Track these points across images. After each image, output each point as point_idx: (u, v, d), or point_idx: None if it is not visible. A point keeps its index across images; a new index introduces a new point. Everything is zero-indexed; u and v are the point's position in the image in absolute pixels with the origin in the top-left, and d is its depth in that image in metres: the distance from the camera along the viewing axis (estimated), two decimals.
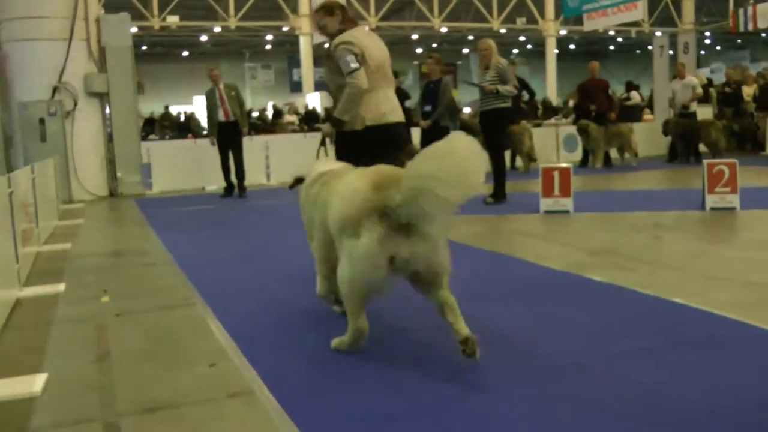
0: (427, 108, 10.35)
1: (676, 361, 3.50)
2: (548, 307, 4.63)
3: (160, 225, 9.22)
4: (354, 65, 5.13)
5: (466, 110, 25.53)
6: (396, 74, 13.74)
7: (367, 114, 5.25)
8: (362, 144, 5.23)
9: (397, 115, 5.38)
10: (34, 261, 7.05)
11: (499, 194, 9.81)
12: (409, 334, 4.13)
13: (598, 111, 14.89)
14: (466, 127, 10.63)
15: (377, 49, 5.30)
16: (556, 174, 8.71)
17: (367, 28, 5.82)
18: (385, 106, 5.30)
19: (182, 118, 29.68)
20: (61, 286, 5.83)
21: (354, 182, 3.63)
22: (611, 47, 46.74)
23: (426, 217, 3.33)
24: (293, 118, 28.04)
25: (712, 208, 8.35)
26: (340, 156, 5.25)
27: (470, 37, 37.14)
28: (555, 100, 30.79)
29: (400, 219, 3.37)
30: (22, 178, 6.78)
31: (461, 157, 3.23)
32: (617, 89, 24.63)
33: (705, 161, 8.63)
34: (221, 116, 12.19)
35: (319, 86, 32.40)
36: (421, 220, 3.35)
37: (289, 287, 5.45)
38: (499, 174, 9.85)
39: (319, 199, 4.01)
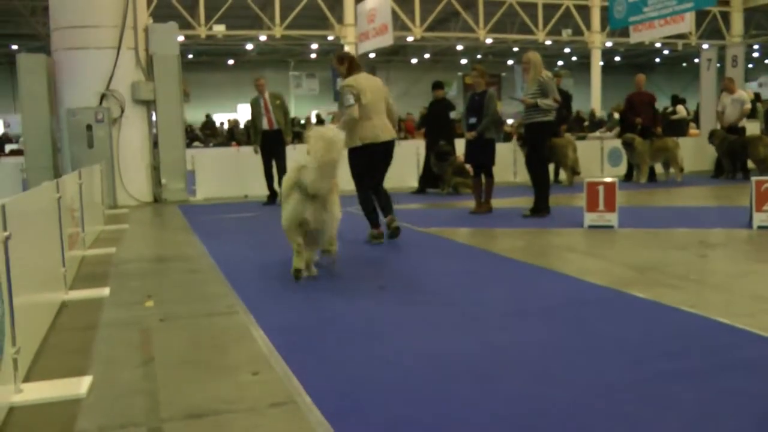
0: (472, 120, 10.31)
1: (721, 383, 3.44)
2: (591, 323, 4.58)
3: (204, 231, 9.30)
4: (350, 102, 7.71)
5: (510, 122, 25.42)
6: (440, 85, 13.97)
7: (364, 135, 7.78)
8: (361, 155, 7.84)
9: (387, 135, 7.96)
10: (79, 265, 7.15)
11: (540, 208, 9.75)
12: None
13: (644, 125, 14.71)
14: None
15: (372, 90, 7.89)
16: (600, 188, 8.63)
17: (365, 73, 8.13)
18: (378, 129, 7.88)
19: (226, 125, 29.98)
20: (105, 290, 5.91)
21: (291, 167, 6.25)
22: (657, 60, 46.17)
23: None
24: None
25: (760, 227, 8.20)
26: (350, 164, 7.91)
27: (515, 49, 36.97)
28: (599, 112, 30.47)
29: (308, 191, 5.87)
30: (69, 183, 6.91)
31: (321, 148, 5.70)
32: (663, 103, 24.34)
33: (753, 178, 8.47)
34: (265, 125, 12.33)
35: None
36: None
37: (331, 297, 5.47)
38: (541, 187, 9.79)
39: None
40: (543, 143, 9.80)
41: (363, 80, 7.92)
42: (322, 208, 5.98)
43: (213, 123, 30.58)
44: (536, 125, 9.68)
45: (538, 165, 9.85)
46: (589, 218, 8.70)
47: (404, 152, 16.33)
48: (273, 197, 12.58)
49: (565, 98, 15.01)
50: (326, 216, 6.01)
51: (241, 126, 28.55)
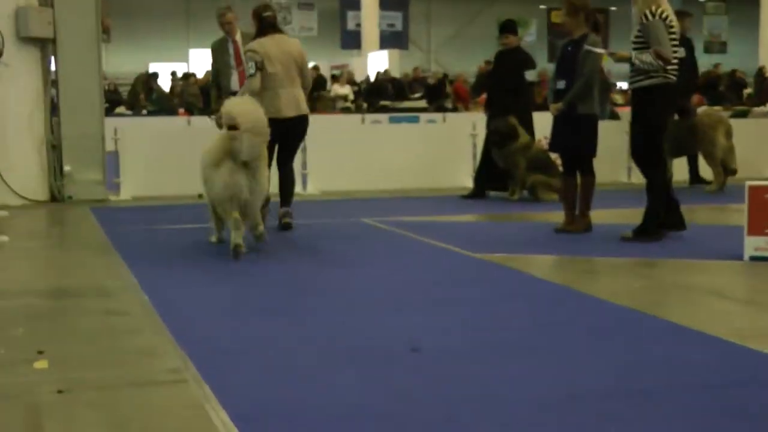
0: (561, 85, 10.16)
1: None
2: (761, 420, 4.45)
3: (132, 251, 9.23)
4: (251, 71, 9.96)
5: (623, 87, 25.09)
6: (512, 26, 13.85)
7: (267, 109, 9.14)
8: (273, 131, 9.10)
9: (293, 110, 10.11)
10: None
11: (650, 228, 9.47)
12: None
13: None
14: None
15: (281, 57, 10.06)
16: None
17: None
18: (282, 103, 10.01)
19: (169, 82, 30.08)
20: None
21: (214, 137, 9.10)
22: None
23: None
24: (346, 91, 28.02)
25: None
26: None
27: None
28: None
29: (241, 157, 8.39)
30: None
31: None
32: None
33: None
34: (235, 83, 12.21)
35: (389, 40, 32.48)
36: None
37: (335, 366, 5.40)
38: (651, 192, 9.51)
39: None
40: (653, 120, 9.51)
41: (270, 45, 10.09)
42: (252, 178, 8.51)
43: (153, 76, 30.64)
44: (638, 93, 9.49)
45: (643, 157, 9.61)
46: (753, 245, 8.55)
47: (451, 133, 16.32)
48: None
49: (688, 49, 14.85)
50: (256, 186, 8.55)
51: (196, 83, 28.59)
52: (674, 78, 9.49)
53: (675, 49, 9.37)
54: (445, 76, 31.68)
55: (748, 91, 25.23)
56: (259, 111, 8.56)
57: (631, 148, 9.97)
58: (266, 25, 10.26)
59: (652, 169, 9.59)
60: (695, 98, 15.17)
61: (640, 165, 9.76)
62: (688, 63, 14.85)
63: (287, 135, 10.18)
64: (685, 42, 14.33)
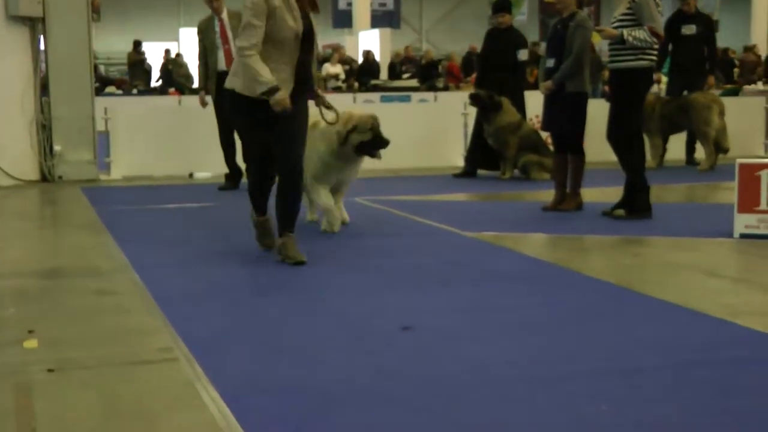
0: (551, 63, 10.16)
1: None
2: (752, 392, 4.48)
3: (123, 231, 9.21)
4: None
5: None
6: (505, 5, 13.79)
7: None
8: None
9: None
10: None
11: (637, 202, 9.50)
12: None
13: None
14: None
15: None
16: (764, 174, 8.51)
17: None
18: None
19: (160, 61, 30.01)
20: None
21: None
22: None
23: None
24: (337, 70, 28.04)
25: None
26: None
27: None
28: (766, 50, 30.04)
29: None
30: None
31: None
32: None
33: None
34: (222, 63, 12.17)
35: (380, 19, 32.36)
36: None
37: (324, 345, 5.40)
38: (634, 171, 9.54)
39: None
40: (634, 103, 9.56)
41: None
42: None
43: (142, 57, 30.54)
44: (623, 74, 9.48)
45: (625, 137, 9.60)
46: (744, 222, 8.58)
47: (442, 112, 16.31)
48: (236, 178, 12.48)
49: (707, 27, 14.82)
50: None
51: (186, 62, 28.56)
52: (652, 61, 9.61)
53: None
54: (438, 60, 31.71)
55: (736, 69, 25.26)
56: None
57: (608, 131, 9.80)
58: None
59: (630, 152, 9.57)
60: (711, 79, 15.13)
61: (618, 148, 9.66)
62: (706, 39, 14.90)
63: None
64: (701, 18, 14.33)
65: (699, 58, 14.68)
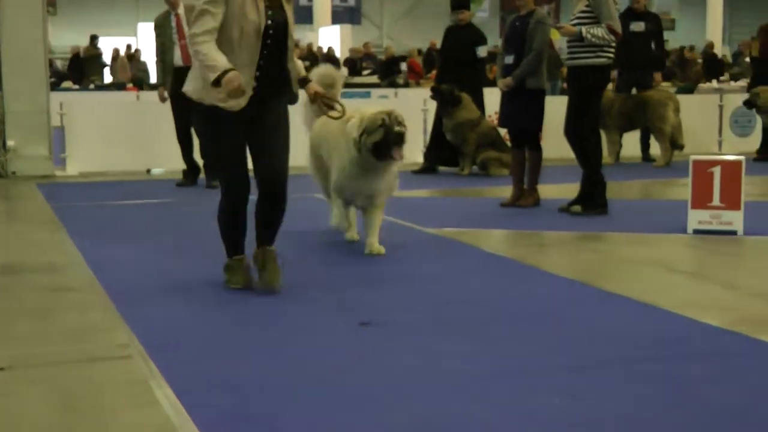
0: (509, 59, 10.19)
1: None
2: (704, 385, 4.53)
3: (79, 227, 9.18)
4: None
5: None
6: (464, 2, 13.80)
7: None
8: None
9: None
10: None
11: (594, 198, 9.57)
12: None
13: None
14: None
15: None
16: (716, 171, 8.58)
17: None
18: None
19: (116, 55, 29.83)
20: None
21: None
22: None
23: None
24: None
25: None
26: None
27: None
28: (722, 50, 30.25)
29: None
30: None
31: None
32: None
33: None
34: (179, 58, 12.13)
35: (341, 15, 32.37)
36: None
37: (279, 341, 5.42)
38: (591, 167, 9.61)
39: None
40: (592, 100, 9.63)
41: None
42: None
43: (98, 52, 30.34)
44: (581, 71, 9.55)
45: (582, 133, 9.68)
46: (697, 219, 8.68)
47: (402, 109, 16.11)
48: (193, 174, 12.44)
49: (656, 26, 14.92)
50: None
51: (143, 58, 28.48)
52: (610, 58, 9.65)
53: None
54: (400, 57, 31.73)
55: (696, 68, 25.38)
56: None
57: (565, 127, 9.83)
58: None
59: (587, 148, 9.63)
60: (657, 76, 15.22)
61: (575, 144, 9.73)
62: (655, 37, 14.97)
63: None
64: (650, 17, 14.43)
65: (648, 56, 14.75)
